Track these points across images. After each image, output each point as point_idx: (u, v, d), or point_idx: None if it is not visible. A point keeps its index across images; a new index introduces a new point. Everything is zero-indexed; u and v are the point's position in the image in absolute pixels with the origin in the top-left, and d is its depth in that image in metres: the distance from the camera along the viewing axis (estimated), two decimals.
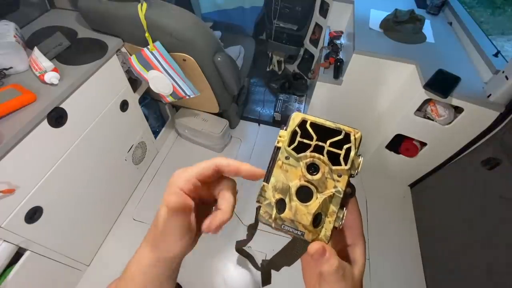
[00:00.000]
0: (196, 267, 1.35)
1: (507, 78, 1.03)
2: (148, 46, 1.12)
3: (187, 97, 1.30)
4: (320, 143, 0.24)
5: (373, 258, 1.44)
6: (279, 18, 2.01)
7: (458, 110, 1.21)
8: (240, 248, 0.47)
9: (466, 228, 1.23)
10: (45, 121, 0.92)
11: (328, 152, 0.24)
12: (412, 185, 1.73)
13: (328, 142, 0.24)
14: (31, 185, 0.92)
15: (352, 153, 0.23)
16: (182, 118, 1.74)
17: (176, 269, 0.29)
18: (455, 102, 1.15)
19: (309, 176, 0.24)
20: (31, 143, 0.88)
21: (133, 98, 1.39)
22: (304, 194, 0.24)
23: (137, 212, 1.53)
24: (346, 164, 0.23)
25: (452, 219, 1.33)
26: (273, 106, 2.15)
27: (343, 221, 0.24)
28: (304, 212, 0.24)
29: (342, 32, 1.70)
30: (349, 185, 0.24)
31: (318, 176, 0.24)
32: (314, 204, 0.24)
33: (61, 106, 0.97)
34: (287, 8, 1.95)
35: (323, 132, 0.24)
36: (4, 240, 0.88)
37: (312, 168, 0.24)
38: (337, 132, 0.24)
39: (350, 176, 0.24)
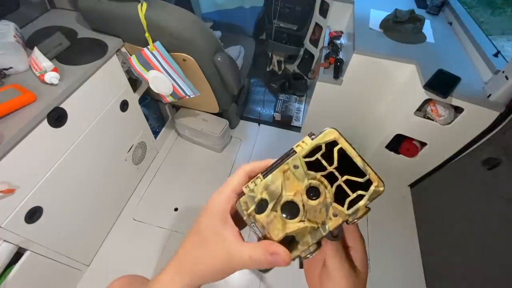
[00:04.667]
0: None
1: (507, 78, 1.03)
2: (148, 46, 1.12)
3: (187, 97, 1.29)
4: (337, 173, 0.22)
5: (373, 258, 1.44)
6: (279, 18, 2.01)
7: (458, 110, 1.21)
8: None
9: (466, 228, 1.22)
10: (45, 121, 0.92)
11: (339, 186, 0.22)
12: (412, 185, 1.73)
13: (345, 177, 0.21)
14: (31, 185, 0.92)
15: (362, 203, 0.21)
16: (182, 118, 1.74)
17: None
18: (455, 102, 1.15)
19: (305, 198, 0.22)
20: (31, 143, 0.88)
21: (133, 98, 1.39)
22: (290, 210, 0.22)
23: (137, 212, 1.53)
24: (348, 209, 0.21)
25: (452, 219, 1.33)
26: (273, 106, 2.15)
27: (312, 256, 0.22)
28: (278, 227, 0.22)
29: (342, 32, 1.70)
30: (338, 228, 0.22)
31: (314, 203, 0.22)
32: (293, 225, 0.22)
33: (61, 106, 0.97)
34: (287, 8, 1.95)
35: (347, 161, 0.22)
36: (4, 240, 0.88)
37: (313, 191, 0.22)
38: (361, 172, 0.21)
39: (346, 221, 0.22)
